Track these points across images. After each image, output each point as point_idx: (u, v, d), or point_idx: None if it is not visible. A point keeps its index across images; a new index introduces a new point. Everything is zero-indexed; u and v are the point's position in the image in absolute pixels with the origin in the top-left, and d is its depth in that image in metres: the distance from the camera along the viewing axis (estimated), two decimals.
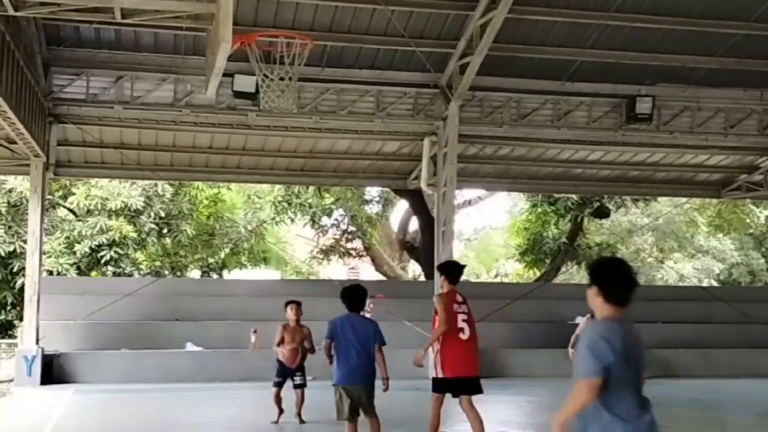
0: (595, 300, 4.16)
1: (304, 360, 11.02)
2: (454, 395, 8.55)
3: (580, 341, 4.12)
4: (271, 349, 11.32)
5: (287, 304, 11.05)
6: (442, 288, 8.85)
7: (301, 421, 10.92)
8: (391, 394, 7.94)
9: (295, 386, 10.96)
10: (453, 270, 9.04)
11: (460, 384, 8.53)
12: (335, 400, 7.92)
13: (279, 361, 11.05)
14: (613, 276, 4.15)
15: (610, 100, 18.59)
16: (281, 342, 10.86)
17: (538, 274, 30.74)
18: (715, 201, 29.33)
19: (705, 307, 21.76)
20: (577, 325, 18.35)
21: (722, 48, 17.73)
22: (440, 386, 8.57)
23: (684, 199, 29.60)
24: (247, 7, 15.00)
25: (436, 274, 9.31)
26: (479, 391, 8.54)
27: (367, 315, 14.42)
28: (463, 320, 8.62)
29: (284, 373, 10.97)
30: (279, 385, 10.96)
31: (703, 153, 20.60)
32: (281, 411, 11.01)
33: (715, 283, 34.34)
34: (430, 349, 8.57)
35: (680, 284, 31.67)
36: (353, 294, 8.13)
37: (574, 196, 26.73)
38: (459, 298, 8.75)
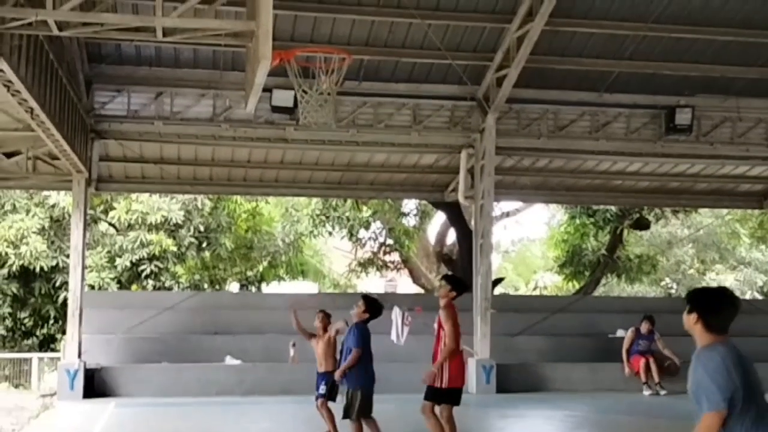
0: (694, 327, 4.11)
1: (335, 366, 10.18)
2: (439, 403, 8.74)
3: (695, 373, 3.97)
4: (313, 364, 11.36)
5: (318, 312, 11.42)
6: (445, 298, 9.02)
7: None
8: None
9: (316, 396, 10.58)
10: (460, 285, 9.30)
11: (455, 394, 8.84)
12: (358, 401, 8.35)
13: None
14: (715, 305, 4.11)
15: (648, 111, 18.42)
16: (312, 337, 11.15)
17: (578, 286, 30.48)
18: (757, 212, 28.89)
19: (748, 320, 21.07)
20: (620, 338, 18.26)
21: (762, 58, 17.52)
22: (446, 396, 8.75)
23: (725, 211, 29.23)
24: (284, 22, 15.13)
25: (443, 283, 9.41)
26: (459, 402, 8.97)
27: (406, 328, 14.58)
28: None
29: (317, 381, 10.67)
30: (317, 397, 10.60)
31: (744, 164, 20.29)
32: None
33: (758, 296, 33.88)
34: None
35: None
36: (377, 305, 9.19)
37: (613, 207, 26.52)
38: (457, 311, 9.10)
